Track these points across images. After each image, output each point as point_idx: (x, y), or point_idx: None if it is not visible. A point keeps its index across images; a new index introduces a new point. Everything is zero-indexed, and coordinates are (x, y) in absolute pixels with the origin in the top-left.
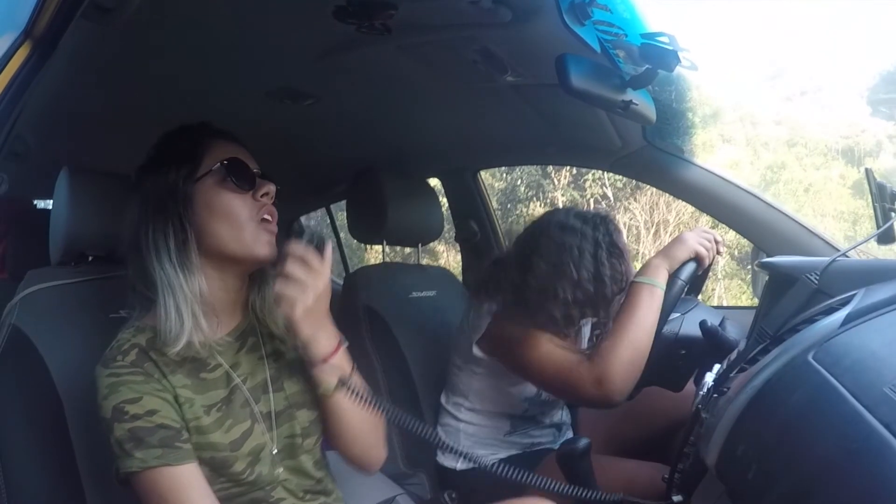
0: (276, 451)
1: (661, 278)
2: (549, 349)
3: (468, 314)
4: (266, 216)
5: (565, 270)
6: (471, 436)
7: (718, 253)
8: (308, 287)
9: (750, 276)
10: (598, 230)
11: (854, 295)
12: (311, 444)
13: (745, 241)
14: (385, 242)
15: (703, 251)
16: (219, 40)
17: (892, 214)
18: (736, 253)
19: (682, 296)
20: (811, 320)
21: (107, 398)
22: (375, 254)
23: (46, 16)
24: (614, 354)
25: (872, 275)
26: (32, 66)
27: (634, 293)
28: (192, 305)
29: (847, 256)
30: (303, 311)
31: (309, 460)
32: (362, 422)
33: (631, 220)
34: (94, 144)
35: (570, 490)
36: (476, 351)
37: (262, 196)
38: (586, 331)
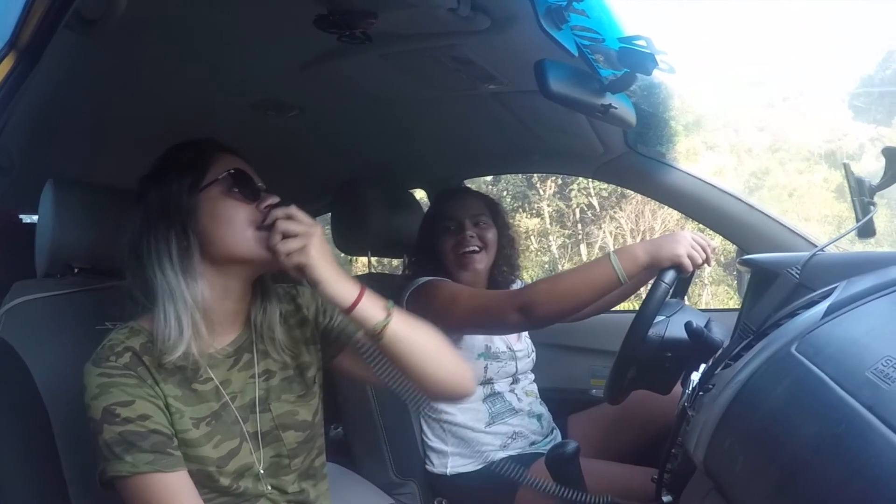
0: (262, 470)
1: (629, 271)
2: (470, 294)
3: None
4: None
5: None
6: (454, 434)
7: (707, 263)
8: (308, 234)
9: (736, 281)
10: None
11: (835, 287)
12: (299, 464)
13: (730, 247)
14: (370, 253)
15: (686, 263)
16: (202, 51)
17: (871, 208)
18: (722, 259)
19: (667, 299)
20: (793, 314)
21: (97, 398)
22: (362, 266)
23: (31, 26)
24: (539, 288)
25: (852, 267)
26: (17, 77)
27: (599, 262)
28: (193, 313)
29: (826, 251)
30: (315, 252)
31: (293, 479)
32: (428, 346)
33: (617, 228)
34: (78, 157)
35: (571, 494)
36: None
37: (265, 208)
38: None
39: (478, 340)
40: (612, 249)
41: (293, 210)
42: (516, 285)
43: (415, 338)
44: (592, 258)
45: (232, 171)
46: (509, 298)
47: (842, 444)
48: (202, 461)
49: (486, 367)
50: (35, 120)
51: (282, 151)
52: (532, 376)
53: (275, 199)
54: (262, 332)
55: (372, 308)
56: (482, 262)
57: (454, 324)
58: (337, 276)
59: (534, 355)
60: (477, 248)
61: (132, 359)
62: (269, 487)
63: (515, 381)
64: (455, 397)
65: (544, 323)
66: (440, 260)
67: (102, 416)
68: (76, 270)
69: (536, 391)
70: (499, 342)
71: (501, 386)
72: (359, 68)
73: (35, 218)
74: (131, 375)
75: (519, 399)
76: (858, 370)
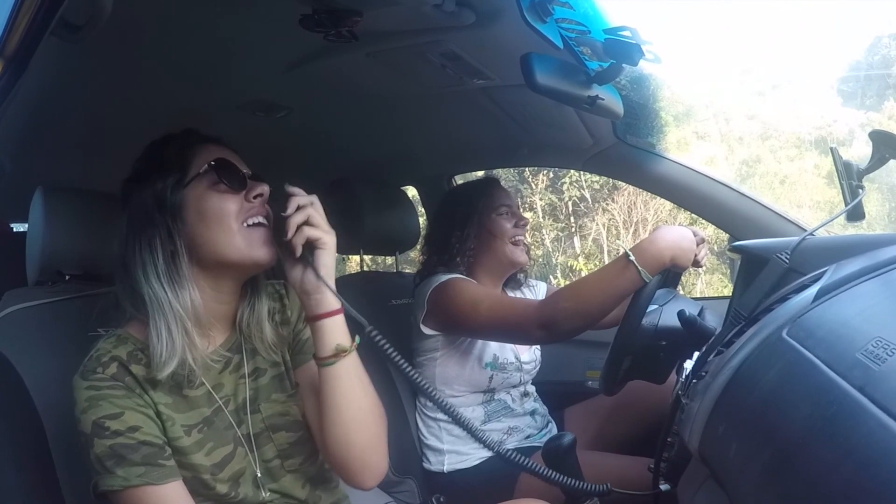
0: (260, 474)
1: (653, 273)
2: (492, 302)
3: (413, 305)
4: (259, 219)
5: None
6: (450, 432)
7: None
8: (329, 234)
9: (729, 269)
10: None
11: (825, 271)
12: (296, 465)
13: (723, 236)
14: (362, 252)
15: (689, 265)
16: (189, 55)
17: (860, 191)
18: (715, 248)
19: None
20: (784, 299)
21: (86, 412)
22: (354, 265)
23: (17, 34)
24: (562, 307)
25: (842, 251)
26: (4, 85)
27: (622, 269)
28: (184, 323)
29: (815, 235)
30: (331, 242)
31: (296, 481)
32: (361, 405)
33: (610, 220)
34: (68, 163)
35: (568, 482)
36: (425, 329)
37: (254, 197)
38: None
39: (488, 350)
40: (628, 250)
41: (316, 200)
42: (537, 287)
43: (358, 388)
44: (586, 250)
45: (213, 163)
46: (532, 314)
47: (833, 426)
48: (195, 469)
49: (491, 378)
50: (24, 127)
51: (272, 152)
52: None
53: (264, 188)
54: (249, 330)
55: (343, 328)
56: (524, 257)
57: (474, 329)
58: (332, 280)
59: (539, 366)
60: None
61: (119, 369)
62: (269, 493)
63: (515, 388)
64: (353, 478)
65: (567, 337)
66: (475, 249)
67: (92, 429)
68: (67, 277)
69: (533, 391)
70: (508, 352)
71: (501, 394)
72: (346, 67)
73: (26, 226)
74: (119, 386)
75: (513, 399)
76: (849, 352)
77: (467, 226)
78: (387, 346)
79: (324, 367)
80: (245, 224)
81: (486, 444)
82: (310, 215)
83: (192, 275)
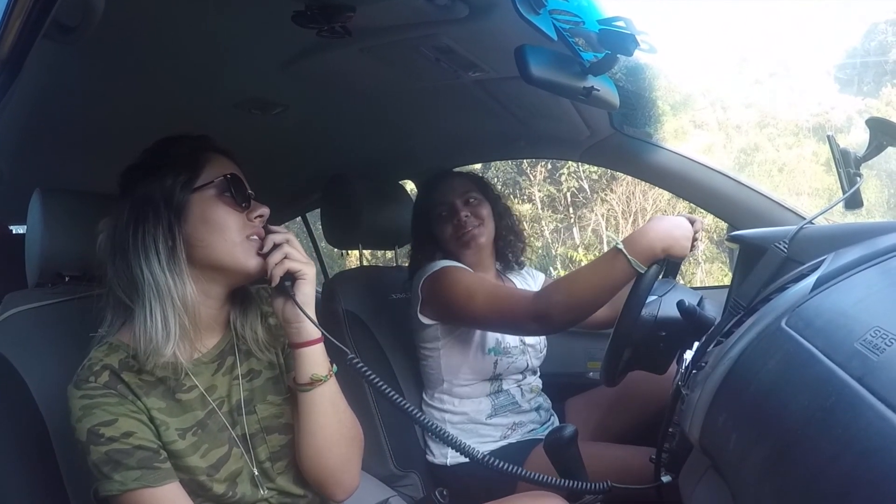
0: (257, 472)
1: (644, 262)
2: (487, 294)
3: (410, 297)
4: (255, 237)
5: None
6: (455, 425)
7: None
8: (309, 266)
9: (728, 259)
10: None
11: (823, 260)
12: (283, 468)
13: (722, 225)
14: (361, 247)
15: (687, 253)
16: (183, 54)
17: (858, 179)
18: (715, 237)
19: (658, 278)
20: (782, 288)
21: (81, 421)
22: (354, 259)
23: (10, 38)
24: (555, 300)
25: (840, 239)
26: None
27: (614, 260)
28: (181, 315)
29: (814, 224)
30: (311, 275)
31: (288, 480)
32: (333, 431)
33: (609, 210)
34: (66, 165)
35: (556, 482)
36: (423, 319)
37: (255, 217)
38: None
39: (489, 335)
40: (619, 242)
41: (294, 243)
42: (531, 277)
43: (332, 415)
44: (585, 241)
45: (228, 176)
46: (526, 306)
47: (832, 417)
48: (191, 471)
49: (495, 363)
50: (21, 130)
51: (269, 150)
52: (539, 372)
53: (265, 210)
54: (243, 332)
55: (321, 357)
56: (483, 236)
57: (470, 319)
58: (312, 310)
59: (546, 351)
60: (476, 225)
61: (111, 377)
62: (267, 491)
63: (524, 376)
64: (323, 492)
65: (562, 329)
66: (443, 246)
67: (88, 437)
68: (67, 279)
69: (540, 385)
70: (510, 336)
71: (509, 383)
72: (341, 63)
73: (25, 228)
74: (111, 394)
75: (523, 394)
76: (847, 341)
77: (423, 228)
78: (369, 373)
79: (300, 392)
80: (246, 237)
81: (481, 461)
82: (287, 253)
83: (189, 272)
